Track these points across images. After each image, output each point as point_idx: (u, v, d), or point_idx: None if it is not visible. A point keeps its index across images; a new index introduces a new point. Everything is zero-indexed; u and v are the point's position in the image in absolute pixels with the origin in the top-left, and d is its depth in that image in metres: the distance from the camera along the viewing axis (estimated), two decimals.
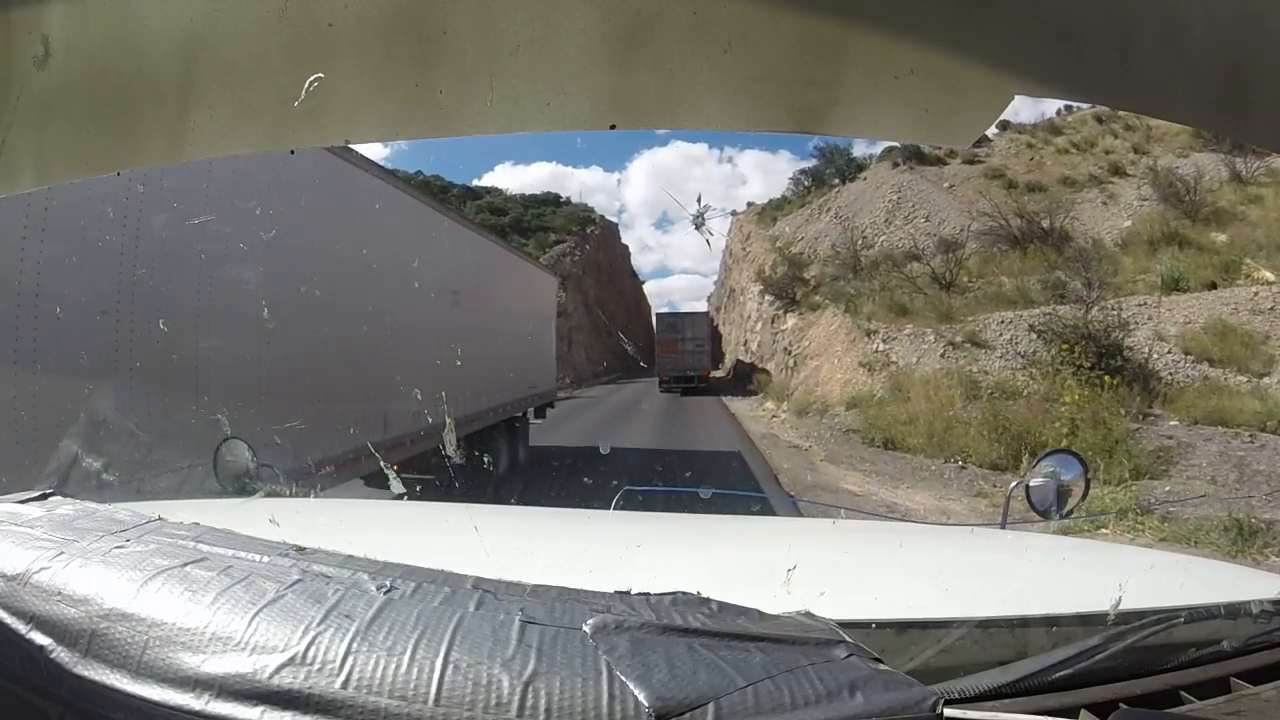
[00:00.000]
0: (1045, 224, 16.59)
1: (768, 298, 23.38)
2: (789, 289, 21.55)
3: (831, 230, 23.75)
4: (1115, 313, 11.02)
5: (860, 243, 20.84)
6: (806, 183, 30.47)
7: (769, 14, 0.47)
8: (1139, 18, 0.48)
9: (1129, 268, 13.84)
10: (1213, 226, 14.74)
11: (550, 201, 44.75)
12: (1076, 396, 8.22)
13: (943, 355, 12.53)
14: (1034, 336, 11.71)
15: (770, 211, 32.15)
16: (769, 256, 25.96)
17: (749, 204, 37.24)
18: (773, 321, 21.98)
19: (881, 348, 13.75)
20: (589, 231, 41.61)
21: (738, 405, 17.94)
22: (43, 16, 0.59)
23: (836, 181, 27.77)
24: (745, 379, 22.82)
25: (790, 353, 18.62)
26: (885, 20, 0.46)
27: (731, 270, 35.05)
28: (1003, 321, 12.85)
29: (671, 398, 20.37)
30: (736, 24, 0.47)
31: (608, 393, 24.14)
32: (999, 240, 17.04)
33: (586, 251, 38.92)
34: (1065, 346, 10.06)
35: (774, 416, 15.11)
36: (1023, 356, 11.55)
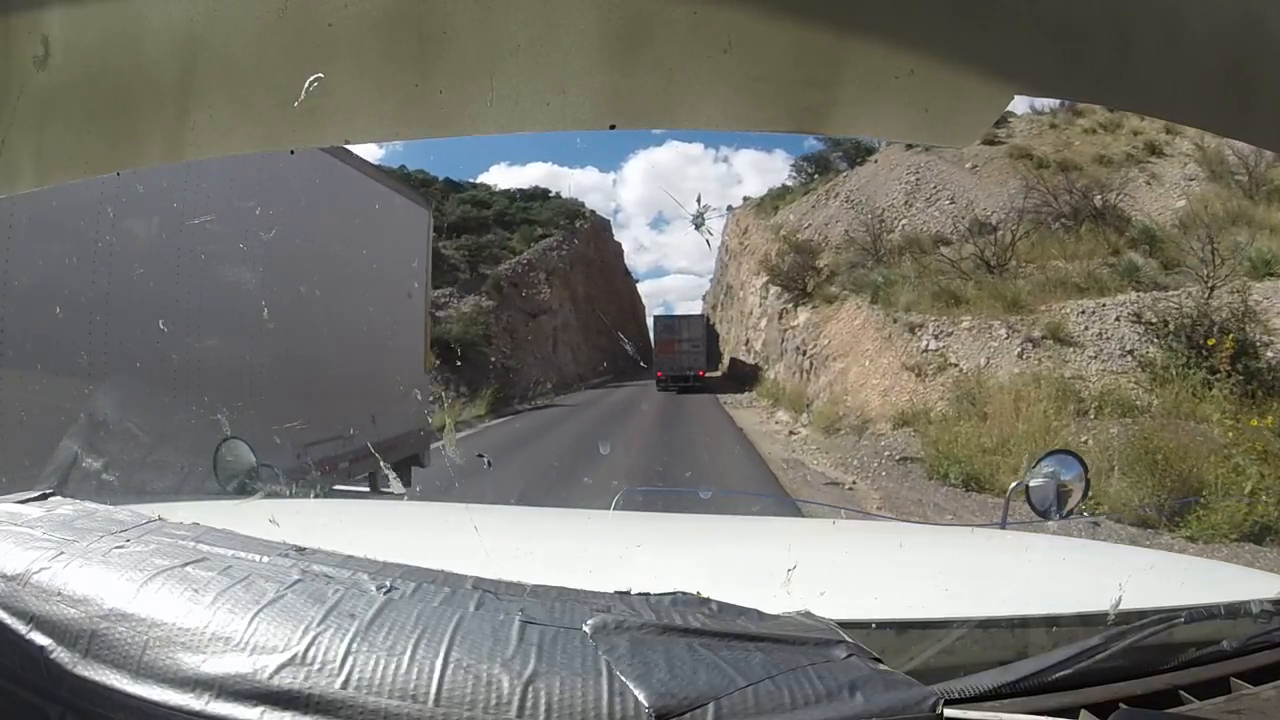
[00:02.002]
0: (1098, 201, 14.53)
1: (773, 290, 21.24)
2: (799, 279, 18.89)
3: (843, 215, 21.65)
4: (1238, 296, 8.12)
5: (878, 226, 18.25)
6: (810, 170, 28.61)
7: (769, 14, 0.47)
8: (1139, 18, 0.48)
9: (1199, 250, 11.05)
10: (1276, 206, 12.42)
11: (538, 196, 41.81)
12: (1270, 420, 5.48)
13: (1021, 355, 9.70)
14: (1140, 330, 8.93)
15: (770, 202, 30.33)
16: (773, 246, 23.46)
17: (745, 198, 35.37)
18: (780, 317, 19.65)
19: (933, 345, 10.83)
20: (578, 226, 39.02)
21: (745, 417, 14.73)
22: (43, 16, 0.59)
23: (844, 166, 25.83)
24: (744, 379, 22.51)
25: (805, 352, 15.88)
26: (885, 20, 0.46)
27: (728, 266, 33.79)
28: (1084, 311, 9.98)
29: (667, 409, 17.33)
30: (736, 24, 0.47)
31: (593, 399, 21.36)
32: (1050, 220, 14.81)
33: (575, 246, 36.40)
34: (1211, 341, 7.43)
35: (792, 433, 12.00)
36: (1132, 355, 8.78)
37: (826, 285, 17.46)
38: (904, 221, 19.45)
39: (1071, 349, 9.53)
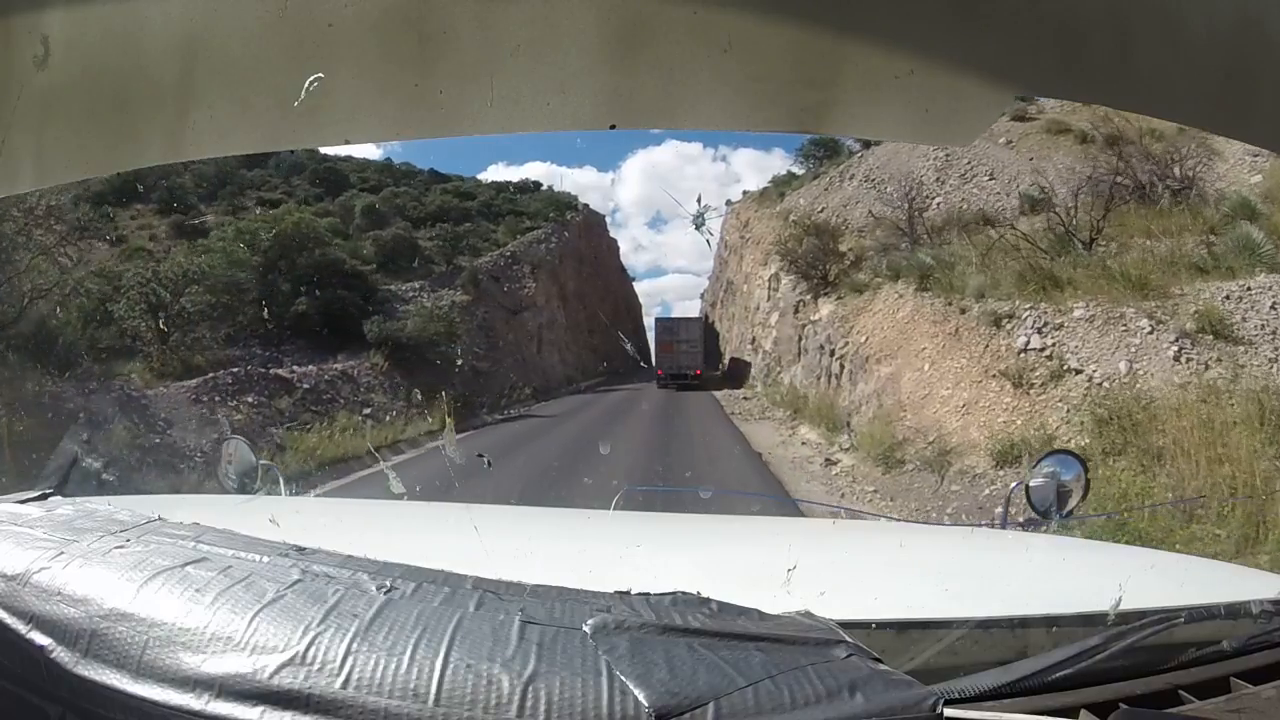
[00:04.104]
0: (1177, 172, 12.38)
1: (785, 281, 18.33)
2: (818, 265, 15.89)
3: (863, 195, 18.99)
4: None
5: (913, 203, 15.53)
6: (818, 154, 25.86)
7: (769, 14, 0.47)
8: (1139, 18, 0.48)
9: None
10: None
11: (528, 189, 38.31)
12: None
13: (1179, 356, 6.85)
14: None
15: (775, 189, 27.70)
16: (783, 232, 20.40)
17: (745, 192, 32.29)
18: (796, 310, 16.76)
19: (1035, 343, 7.80)
20: (569, 218, 35.59)
21: (760, 435, 11.33)
22: (43, 16, 0.59)
23: (857, 147, 22.97)
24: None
25: (832, 352, 12.70)
26: (885, 21, 0.46)
27: (728, 262, 31.97)
28: (1227, 296, 7.40)
29: (661, 424, 14.43)
30: (736, 25, 0.47)
31: (576, 407, 17.95)
32: (1140, 191, 12.42)
33: (565, 239, 33.10)
34: None
35: (830, 462, 8.76)
36: None
37: (853, 272, 14.65)
38: (938, 199, 17.07)
39: (1241, 347, 6.78)
